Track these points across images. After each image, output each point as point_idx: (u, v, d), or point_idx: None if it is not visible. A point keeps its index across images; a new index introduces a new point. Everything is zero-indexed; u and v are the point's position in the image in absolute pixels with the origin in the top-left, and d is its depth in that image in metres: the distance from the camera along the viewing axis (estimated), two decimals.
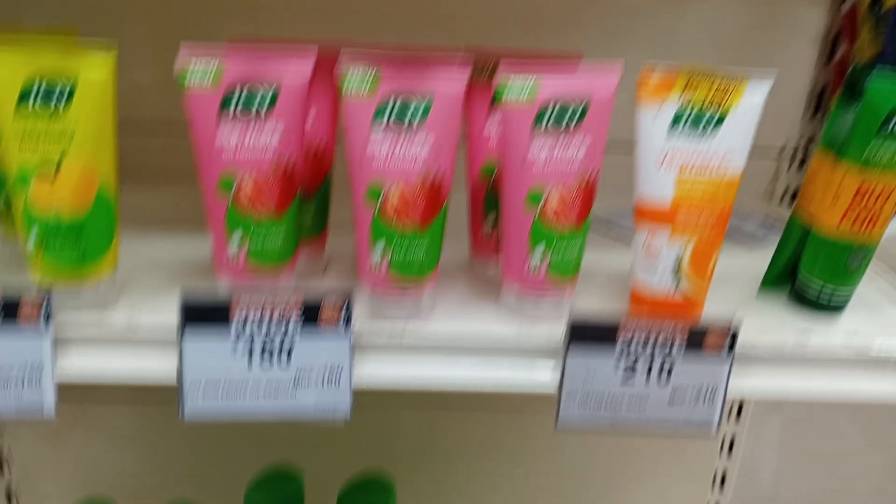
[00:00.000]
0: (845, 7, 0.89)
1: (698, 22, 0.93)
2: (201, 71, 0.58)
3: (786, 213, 0.73)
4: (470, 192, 0.71)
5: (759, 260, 0.75)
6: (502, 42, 0.95)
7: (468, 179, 0.70)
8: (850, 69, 0.66)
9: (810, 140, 0.96)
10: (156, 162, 0.97)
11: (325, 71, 0.63)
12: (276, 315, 0.59)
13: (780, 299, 0.71)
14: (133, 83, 0.97)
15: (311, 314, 0.59)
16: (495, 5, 0.94)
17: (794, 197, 0.97)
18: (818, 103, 0.95)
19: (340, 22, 0.95)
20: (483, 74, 0.66)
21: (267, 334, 0.59)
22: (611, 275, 0.74)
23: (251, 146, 0.60)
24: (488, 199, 0.69)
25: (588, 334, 0.58)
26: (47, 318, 0.59)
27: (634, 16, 0.93)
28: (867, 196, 0.62)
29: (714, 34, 0.94)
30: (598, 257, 0.75)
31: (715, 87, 0.59)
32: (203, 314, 0.59)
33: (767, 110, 0.97)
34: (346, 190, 0.62)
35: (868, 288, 0.73)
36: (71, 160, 0.58)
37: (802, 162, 0.97)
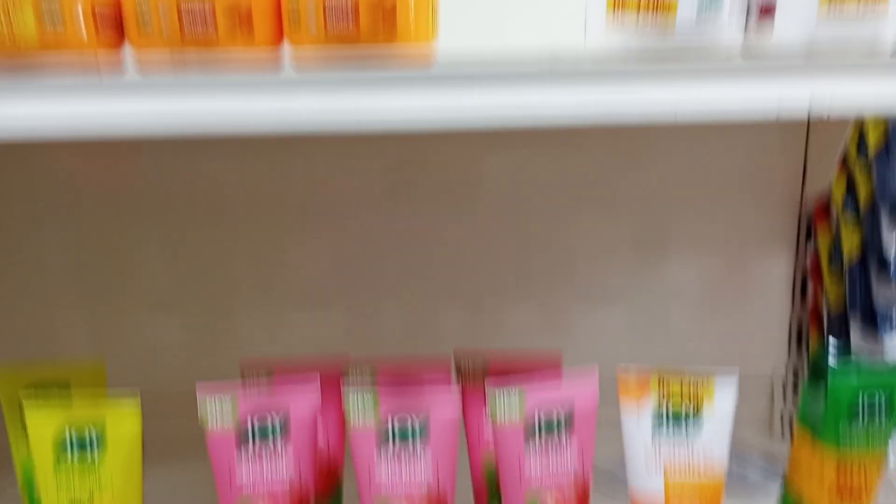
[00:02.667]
0: (809, 253, 0.97)
1: (678, 274, 1.01)
2: (219, 412, 0.64)
3: (786, 450, 0.75)
4: (474, 490, 0.74)
5: None
6: (487, 333, 1.03)
7: (472, 476, 0.74)
8: (813, 357, 0.71)
9: (797, 371, 1.00)
10: (174, 432, 1.02)
11: (331, 387, 0.70)
12: None
13: None
14: (155, 355, 1.05)
15: None
16: (475, 309, 1.03)
17: (791, 426, 1.00)
18: (799, 336, 1.01)
19: (340, 326, 1.04)
20: (472, 377, 0.72)
21: None
22: None
23: (267, 476, 0.65)
24: (491, 496, 0.73)
25: None
26: None
27: (616, 280, 1.01)
28: (848, 475, 0.65)
29: (693, 285, 1.01)
30: None
31: (686, 386, 0.64)
32: None
33: (754, 345, 1.01)
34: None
35: None
36: (103, 501, 0.63)
37: (794, 392, 1.00)
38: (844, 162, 0.90)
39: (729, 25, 0.57)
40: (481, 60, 0.52)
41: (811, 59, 0.55)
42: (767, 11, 0.58)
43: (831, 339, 0.82)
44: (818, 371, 0.68)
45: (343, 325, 1.06)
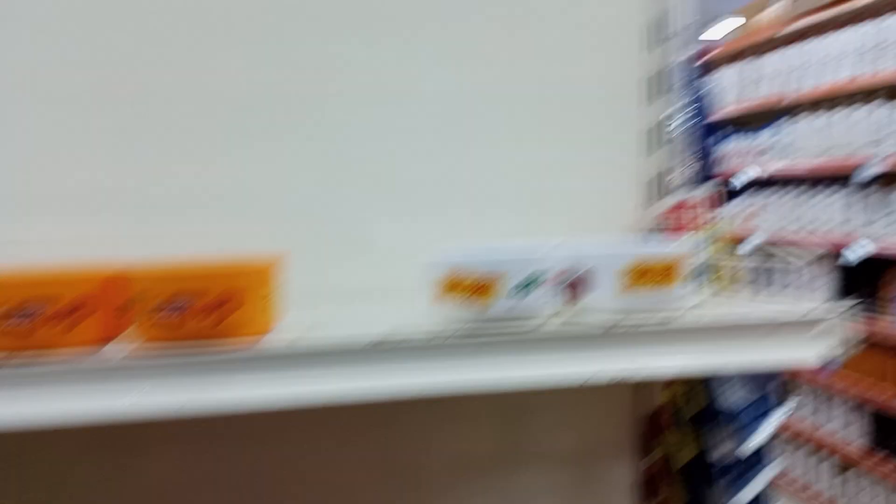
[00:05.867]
0: (650, 459, 1.03)
1: (532, 480, 1.04)
2: None
3: None
4: None
5: None
6: None
7: None
8: None
9: None
10: None
11: None
12: None
13: None
14: None
15: None
16: None
17: None
18: None
19: None
20: None
21: None
22: None
23: None
24: None
25: None
26: None
27: (476, 487, 1.03)
28: None
29: (545, 490, 1.05)
30: None
31: None
32: None
33: None
34: None
35: None
36: None
37: None
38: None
39: (542, 304, 0.63)
40: (312, 344, 0.55)
41: (613, 333, 0.62)
42: (575, 290, 0.65)
43: None
44: None
45: None
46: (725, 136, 3.19)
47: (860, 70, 2.44)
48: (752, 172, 2.97)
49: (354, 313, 0.71)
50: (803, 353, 0.66)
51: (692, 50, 1.07)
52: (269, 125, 0.90)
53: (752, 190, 3.04)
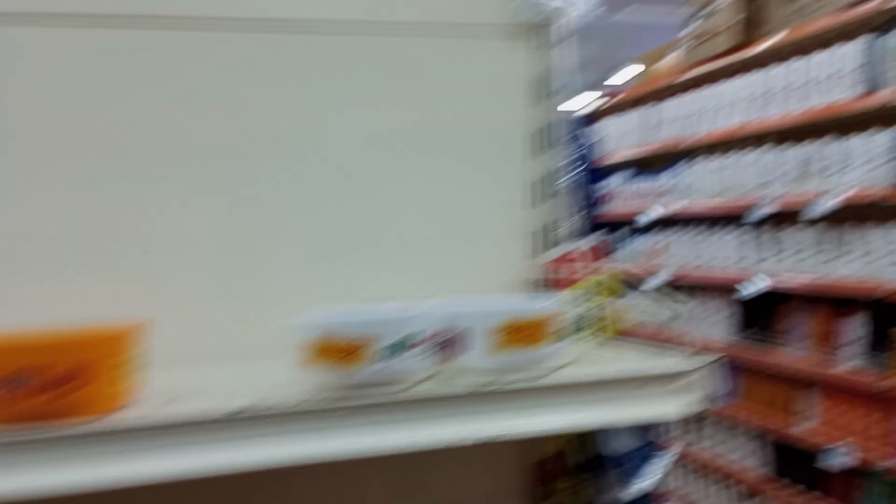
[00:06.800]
0: None
1: None
2: None
3: None
4: None
5: None
6: None
7: None
8: None
9: None
10: None
11: None
12: None
13: None
14: None
15: None
16: None
17: None
18: None
19: None
20: None
21: None
22: None
23: None
24: None
25: None
26: None
27: None
28: None
29: None
30: None
31: None
32: None
33: None
34: None
35: None
36: None
37: None
38: None
39: (414, 367, 0.63)
40: (165, 417, 0.53)
41: (481, 393, 0.63)
42: (448, 350, 0.66)
43: None
44: None
45: None
46: (628, 179, 3.31)
47: (750, 116, 2.58)
48: (654, 213, 3.09)
49: (226, 377, 0.69)
50: (666, 406, 0.68)
51: (581, 102, 1.11)
52: (144, 176, 0.88)
53: (655, 230, 3.16)
